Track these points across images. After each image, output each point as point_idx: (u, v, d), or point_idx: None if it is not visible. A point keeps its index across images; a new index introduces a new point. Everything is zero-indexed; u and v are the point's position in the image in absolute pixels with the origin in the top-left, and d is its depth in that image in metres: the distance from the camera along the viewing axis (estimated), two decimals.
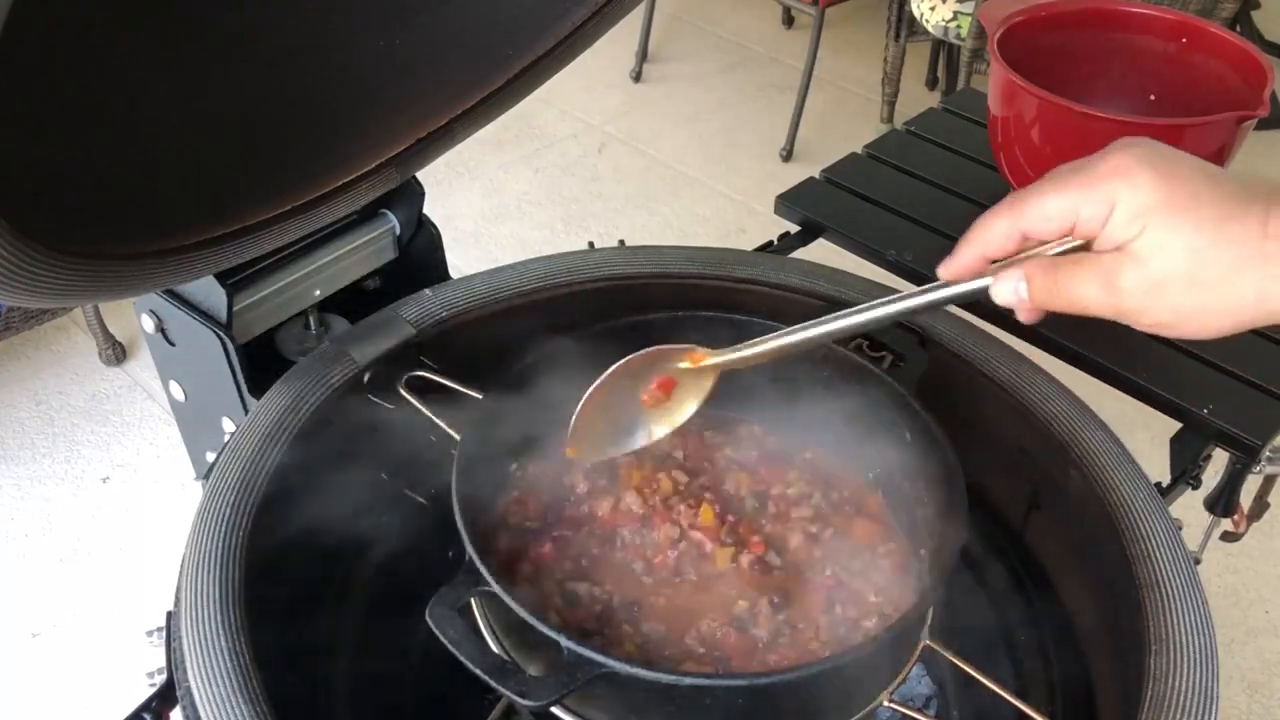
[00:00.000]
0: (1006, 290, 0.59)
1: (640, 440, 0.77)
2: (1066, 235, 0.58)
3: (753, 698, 0.67)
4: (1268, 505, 1.19)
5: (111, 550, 1.93)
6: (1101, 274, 0.56)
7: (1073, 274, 0.57)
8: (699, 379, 0.75)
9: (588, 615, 0.75)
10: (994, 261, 0.61)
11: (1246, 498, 1.10)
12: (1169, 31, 1.19)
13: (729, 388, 0.89)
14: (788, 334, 0.69)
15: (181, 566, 0.75)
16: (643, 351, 0.74)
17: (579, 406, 0.73)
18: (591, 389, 0.73)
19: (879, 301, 0.64)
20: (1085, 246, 0.58)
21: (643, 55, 3.41)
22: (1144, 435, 1.03)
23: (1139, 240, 0.54)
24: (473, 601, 0.71)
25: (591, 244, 1.11)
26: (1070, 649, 0.88)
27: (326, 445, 0.87)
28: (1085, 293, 0.56)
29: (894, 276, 1.14)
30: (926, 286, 0.63)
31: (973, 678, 0.72)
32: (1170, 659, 0.72)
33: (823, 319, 0.67)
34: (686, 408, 0.76)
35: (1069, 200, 0.57)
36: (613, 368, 0.73)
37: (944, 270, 0.62)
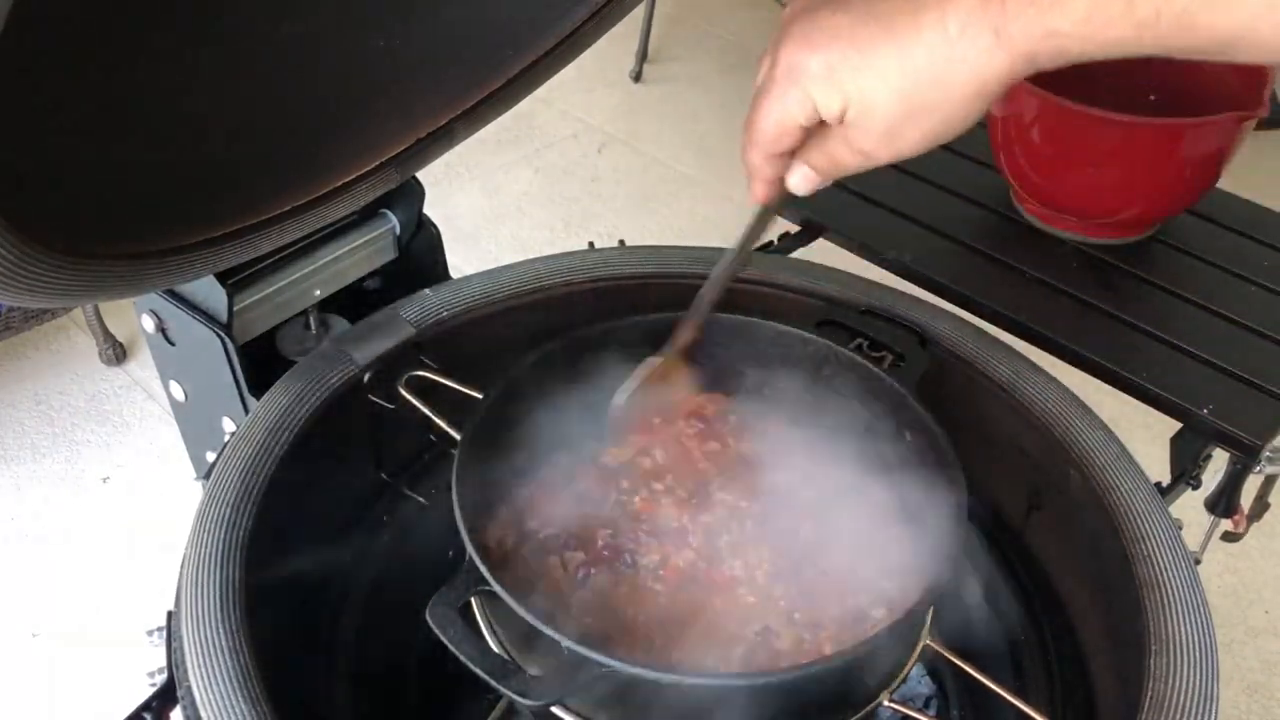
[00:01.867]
0: (798, 179, 0.69)
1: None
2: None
3: (753, 697, 0.67)
4: (1268, 505, 1.19)
5: (111, 550, 1.93)
6: (850, 147, 0.63)
7: (836, 150, 0.64)
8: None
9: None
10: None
11: (1247, 498, 1.10)
12: None
13: (725, 387, 0.90)
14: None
15: (181, 566, 0.75)
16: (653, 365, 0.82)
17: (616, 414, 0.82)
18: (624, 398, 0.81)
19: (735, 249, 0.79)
20: None
21: (643, 55, 3.41)
22: (1144, 435, 1.03)
23: (850, 112, 0.61)
24: (473, 601, 0.71)
25: (591, 244, 1.11)
26: (1070, 649, 0.88)
27: (327, 445, 0.87)
28: (850, 162, 0.64)
29: (894, 276, 1.14)
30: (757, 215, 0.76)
31: (973, 678, 0.72)
32: (1170, 659, 0.72)
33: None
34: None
35: (785, 116, 0.64)
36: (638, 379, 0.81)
37: (755, 198, 0.73)
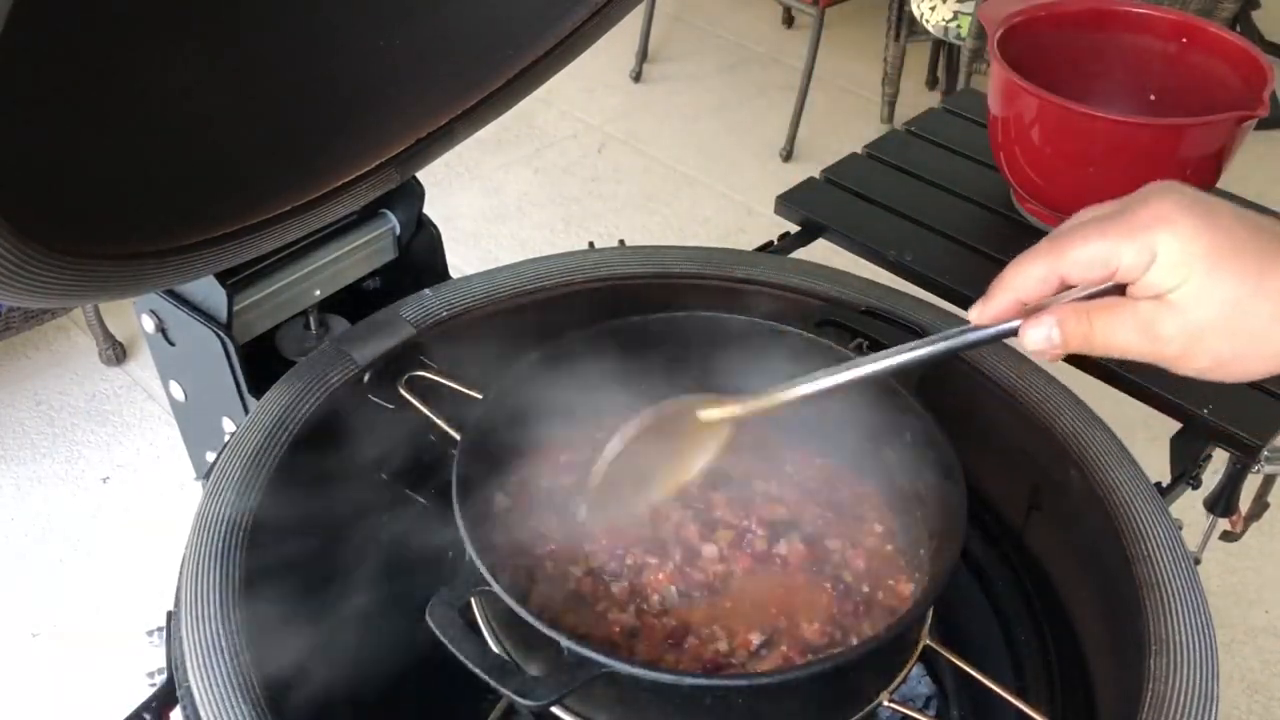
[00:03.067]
0: (1038, 336, 0.58)
1: (654, 495, 0.76)
2: (1106, 281, 0.57)
3: (753, 698, 0.67)
4: (1268, 505, 1.19)
5: (111, 550, 1.93)
6: (1140, 321, 0.56)
7: (1109, 321, 0.57)
8: (716, 430, 0.74)
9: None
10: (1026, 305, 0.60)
11: (1246, 498, 1.10)
12: (1169, 31, 1.19)
13: (726, 387, 0.90)
14: (807, 381, 0.67)
15: (181, 566, 0.75)
16: (663, 406, 0.72)
17: (599, 468, 0.72)
18: (612, 452, 0.71)
19: (906, 347, 0.64)
20: (1118, 290, 0.57)
21: (643, 55, 3.41)
22: (1144, 435, 1.03)
23: (1180, 290, 0.54)
24: (473, 601, 0.71)
25: (591, 244, 1.11)
26: (1070, 649, 0.88)
27: (326, 445, 0.87)
28: (1124, 339, 0.57)
29: (894, 276, 1.14)
30: (956, 330, 0.63)
31: (973, 678, 0.72)
32: (1170, 659, 0.72)
33: (845, 365, 0.66)
34: (699, 459, 0.75)
35: (1110, 247, 0.56)
36: (632, 427, 0.71)
37: (977, 314, 0.61)
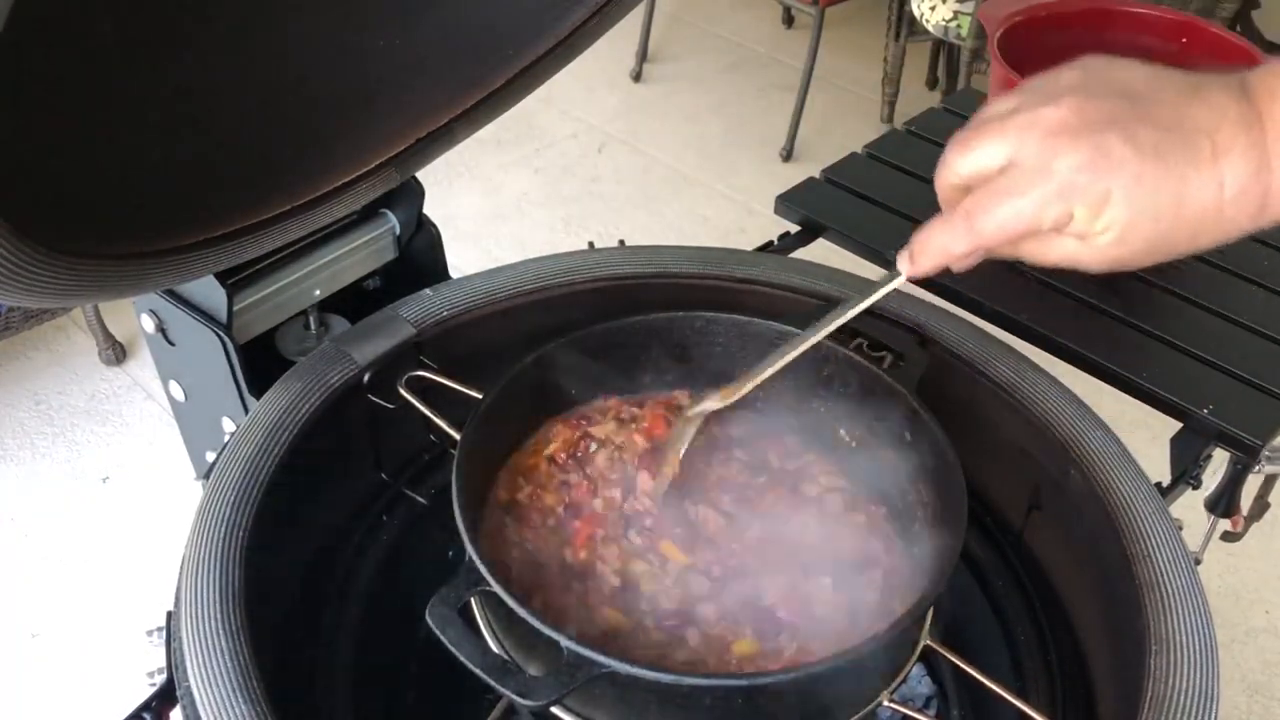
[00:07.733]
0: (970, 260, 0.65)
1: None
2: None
3: (753, 698, 0.67)
4: (1268, 505, 1.19)
5: (111, 550, 1.94)
6: (1065, 250, 0.62)
7: (1053, 245, 0.62)
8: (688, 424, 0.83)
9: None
10: None
11: (1247, 498, 1.10)
12: (1169, 31, 1.19)
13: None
14: (770, 362, 0.78)
15: (181, 566, 0.75)
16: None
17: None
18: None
19: (832, 314, 0.76)
20: None
21: (643, 55, 3.41)
22: (1144, 435, 1.03)
23: (1103, 236, 0.60)
24: (473, 601, 0.71)
25: (591, 244, 1.11)
26: (1070, 649, 0.88)
27: (326, 445, 0.87)
28: (1059, 260, 0.63)
29: None
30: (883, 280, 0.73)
31: (973, 678, 0.72)
32: (1170, 659, 0.72)
33: (793, 340, 0.77)
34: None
35: (1032, 216, 0.60)
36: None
37: (907, 269, 0.70)
